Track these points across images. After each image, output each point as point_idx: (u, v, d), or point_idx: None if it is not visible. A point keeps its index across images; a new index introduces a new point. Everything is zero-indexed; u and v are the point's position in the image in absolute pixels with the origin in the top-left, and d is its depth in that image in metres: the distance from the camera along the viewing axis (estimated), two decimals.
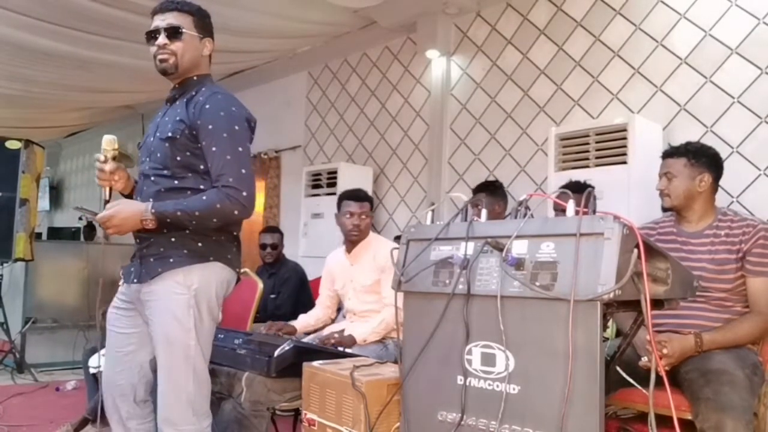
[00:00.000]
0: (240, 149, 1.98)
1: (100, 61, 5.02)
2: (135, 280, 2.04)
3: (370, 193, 4.85)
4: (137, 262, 2.07)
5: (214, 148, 1.96)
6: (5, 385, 4.68)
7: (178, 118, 2.01)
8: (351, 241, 3.20)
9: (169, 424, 2.00)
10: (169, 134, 1.99)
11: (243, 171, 1.96)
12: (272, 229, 4.72)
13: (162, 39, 2.00)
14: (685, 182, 2.24)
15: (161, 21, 2.02)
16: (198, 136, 1.97)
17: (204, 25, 2.10)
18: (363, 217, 3.14)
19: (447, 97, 4.56)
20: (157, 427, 2.04)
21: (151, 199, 2.00)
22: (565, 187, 2.89)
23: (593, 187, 2.85)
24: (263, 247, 4.48)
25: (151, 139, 2.08)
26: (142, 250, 2.04)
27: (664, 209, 2.33)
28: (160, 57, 2.02)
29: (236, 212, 1.95)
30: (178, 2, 2.05)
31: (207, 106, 1.98)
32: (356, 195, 3.24)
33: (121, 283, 2.17)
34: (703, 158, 2.27)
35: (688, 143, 2.35)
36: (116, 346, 2.13)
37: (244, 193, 1.95)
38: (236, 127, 1.99)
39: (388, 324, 2.93)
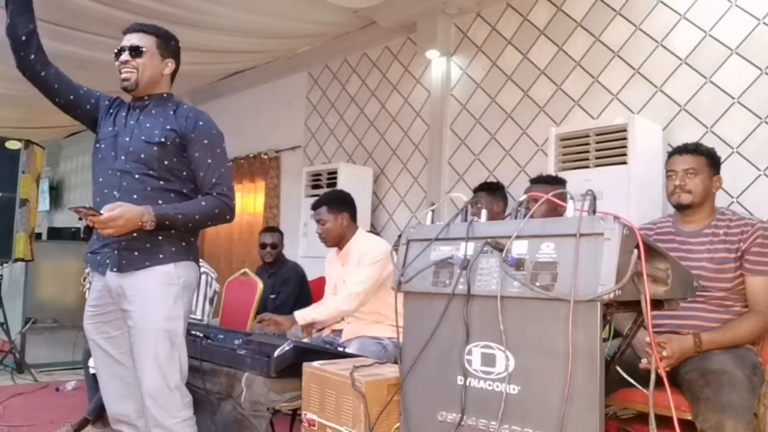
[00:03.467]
0: (228, 164, 2.28)
1: (100, 61, 5.01)
2: (114, 269, 2.12)
3: (369, 193, 4.89)
4: (112, 252, 2.13)
5: (210, 160, 2.19)
6: (5, 386, 4.68)
7: (168, 127, 2.16)
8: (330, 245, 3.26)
9: (164, 412, 2.07)
10: (161, 139, 2.15)
11: (231, 183, 2.26)
12: (272, 229, 4.73)
13: (125, 56, 2.18)
14: (706, 180, 2.25)
15: (127, 41, 2.21)
16: (187, 146, 2.17)
17: (167, 46, 2.27)
18: (321, 223, 3.15)
19: (447, 98, 4.56)
20: (146, 416, 2.09)
21: (135, 196, 2.10)
22: (536, 180, 2.91)
23: (565, 181, 2.89)
24: (263, 246, 4.49)
25: (128, 139, 2.18)
26: (121, 242, 2.10)
27: (680, 206, 2.28)
28: (123, 73, 2.19)
29: (228, 217, 2.22)
30: (145, 25, 2.26)
31: (200, 123, 2.20)
32: (315, 203, 3.25)
33: (85, 289, 2.22)
34: (717, 161, 2.31)
35: (700, 144, 2.36)
36: (110, 365, 2.20)
37: (234, 202, 2.25)
38: (223, 145, 2.26)
39: (338, 310, 3.02)
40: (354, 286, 2.99)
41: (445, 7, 4.41)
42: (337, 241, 3.18)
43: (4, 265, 5.34)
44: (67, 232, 7.14)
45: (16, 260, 5.18)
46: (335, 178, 4.76)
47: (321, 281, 3.89)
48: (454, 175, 4.49)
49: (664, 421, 1.67)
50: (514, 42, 4.18)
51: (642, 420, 1.93)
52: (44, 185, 9.70)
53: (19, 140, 5.23)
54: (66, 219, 9.52)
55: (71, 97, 2.27)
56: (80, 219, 2.11)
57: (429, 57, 4.61)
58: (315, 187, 4.96)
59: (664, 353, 1.93)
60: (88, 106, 2.29)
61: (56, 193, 10.42)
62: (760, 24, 3.11)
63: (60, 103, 2.27)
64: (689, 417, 1.89)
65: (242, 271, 4.10)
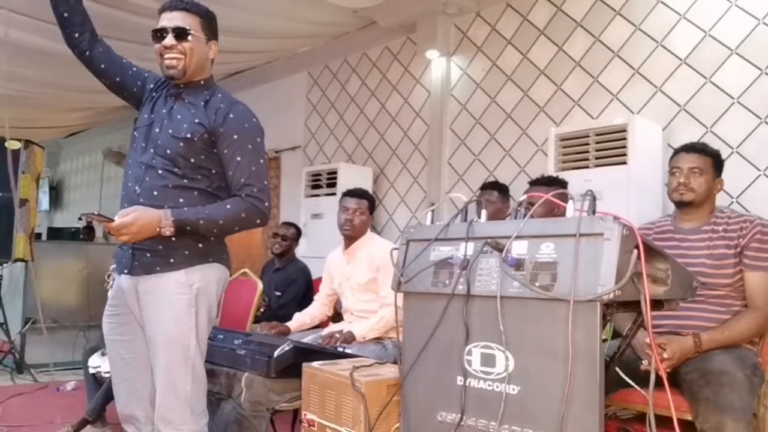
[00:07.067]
0: (261, 161, 2.04)
1: None
2: (125, 272, 2.03)
3: (369, 193, 4.88)
4: (128, 252, 2.02)
5: (239, 158, 1.99)
6: (5, 386, 4.67)
7: (197, 121, 2.00)
8: (346, 237, 3.23)
9: (167, 423, 2.00)
10: (188, 135, 1.98)
11: (265, 182, 2.03)
12: (290, 223, 4.67)
13: (170, 40, 1.97)
14: (710, 181, 2.26)
15: (168, 21, 1.98)
16: (217, 142, 2.00)
17: (211, 27, 2.08)
18: (358, 213, 3.17)
19: (447, 98, 4.56)
20: (154, 425, 2.04)
21: (155, 193, 1.98)
22: (535, 182, 2.91)
23: (566, 182, 2.89)
24: (274, 236, 4.50)
25: (158, 130, 2.03)
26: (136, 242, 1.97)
27: (681, 204, 2.28)
28: (167, 60, 1.99)
29: (258, 221, 2.02)
30: (187, 2, 2.02)
31: (231, 116, 2.01)
32: (354, 192, 3.29)
33: (108, 287, 2.16)
34: (721, 163, 2.32)
35: (707, 144, 2.36)
36: (121, 367, 2.11)
37: (266, 204, 2.02)
38: (258, 140, 2.05)
39: (388, 321, 2.96)
40: (389, 295, 2.91)
41: (445, 7, 4.41)
42: (356, 235, 3.20)
43: (4, 265, 5.34)
44: (67, 232, 7.14)
45: (16, 260, 5.18)
46: (335, 178, 4.76)
47: (320, 282, 3.88)
48: (454, 175, 4.49)
49: (664, 421, 1.67)
50: (514, 42, 4.18)
51: (642, 420, 1.93)
52: (44, 185, 9.70)
53: (19, 140, 5.23)
54: (66, 219, 9.53)
55: (117, 79, 2.16)
56: (79, 219, 2.07)
57: (429, 57, 4.61)
58: (315, 187, 4.96)
59: (665, 355, 1.93)
60: (134, 89, 2.17)
61: (56, 193, 10.42)
62: (760, 24, 3.10)
63: (106, 84, 2.17)
64: (689, 417, 1.89)
65: (242, 271, 4.09)
